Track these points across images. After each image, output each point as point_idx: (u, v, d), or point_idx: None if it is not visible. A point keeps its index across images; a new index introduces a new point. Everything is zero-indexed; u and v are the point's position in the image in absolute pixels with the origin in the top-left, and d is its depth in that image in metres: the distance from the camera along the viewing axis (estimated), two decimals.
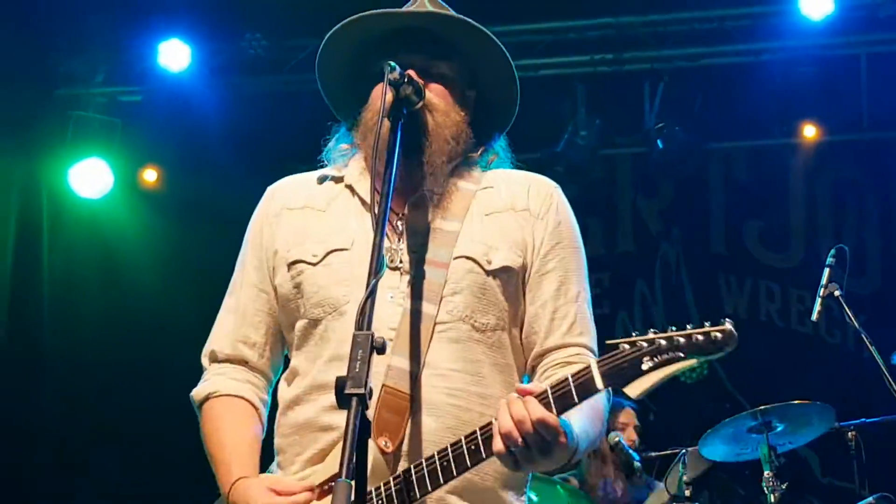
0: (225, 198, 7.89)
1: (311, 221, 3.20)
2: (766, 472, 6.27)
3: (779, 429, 6.34)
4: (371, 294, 2.57)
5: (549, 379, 2.85)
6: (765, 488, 6.23)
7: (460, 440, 2.80)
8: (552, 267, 3.14)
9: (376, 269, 2.64)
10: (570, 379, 2.71)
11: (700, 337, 2.66)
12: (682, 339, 2.68)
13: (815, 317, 6.22)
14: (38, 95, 9.08)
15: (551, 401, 2.70)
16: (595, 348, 3.13)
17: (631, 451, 6.98)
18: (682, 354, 2.67)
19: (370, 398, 2.45)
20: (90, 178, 9.13)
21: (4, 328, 8.77)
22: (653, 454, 7.22)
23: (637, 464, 6.93)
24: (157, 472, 8.41)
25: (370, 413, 2.81)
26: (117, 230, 9.30)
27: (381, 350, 2.51)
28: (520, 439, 2.67)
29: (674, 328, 2.71)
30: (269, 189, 3.37)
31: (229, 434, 3.13)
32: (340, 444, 2.43)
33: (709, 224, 9.70)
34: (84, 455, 8.88)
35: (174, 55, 8.88)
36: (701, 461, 6.83)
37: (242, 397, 3.20)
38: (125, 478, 8.74)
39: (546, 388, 2.72)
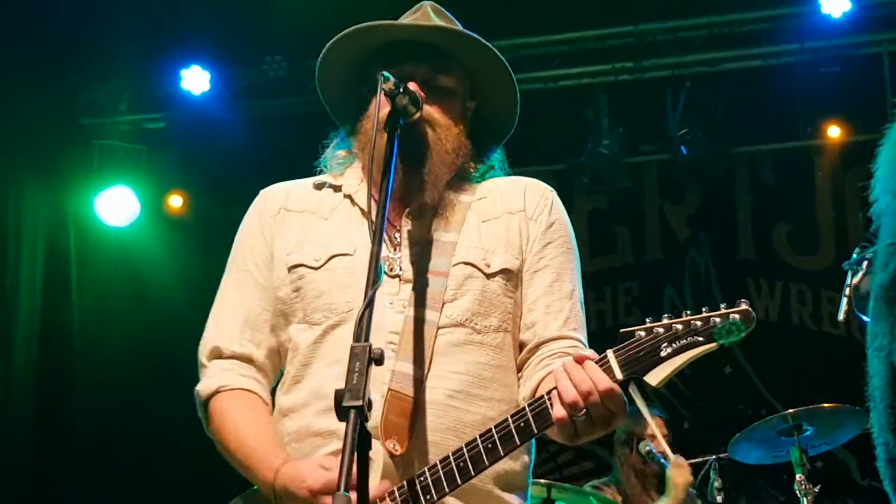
0: None
1: (313, 226, 3.16)
2: (797, 476, 6.21)
3: (809, 432, 6.29)
4: (369, 305, 2.51)
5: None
6: (797, 492, 6.17)
7: (476, 439, 2.75)
8: (544, 265, 3.10)
9: (374, 279, 2.58)
10: None
11: (717, 319, 2.64)
12: (699, 323, 2.65)
13: (841, 317, 6.11)
14: (63, 125, 9.12)
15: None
16: (588, 347, 3.06)
17: (662, 461, 6.90)
18: (700, 339, 2.64)
19: (369, 410, 2.39)
20: (117, 206, 9.18)
21: (36, 356, 8.79)
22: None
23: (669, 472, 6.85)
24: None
25: (377, 417, 2.80)
26: (145, 257, 9.33)
27: (380, 361, 2.45)
28: (584, 410, 2.65)
29: (688, 312, 2.67)
30: (263, 191, 3.34)
31: (251, 424, 3.01)
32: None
33: (736, 228, 9.60)
34: (116, 480, 8.90)
35: (195, 81, 8.91)
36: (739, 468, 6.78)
37: (254, 392, 3.08)
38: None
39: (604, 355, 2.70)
